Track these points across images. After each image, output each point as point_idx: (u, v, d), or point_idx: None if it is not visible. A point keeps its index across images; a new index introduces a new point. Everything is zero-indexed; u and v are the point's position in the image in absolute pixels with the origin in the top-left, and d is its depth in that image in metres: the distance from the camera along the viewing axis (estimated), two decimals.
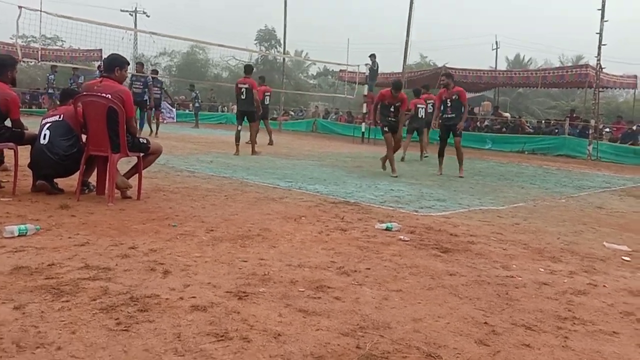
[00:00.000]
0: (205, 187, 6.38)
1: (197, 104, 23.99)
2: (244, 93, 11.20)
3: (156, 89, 16.18)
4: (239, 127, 11.34)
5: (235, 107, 12.69)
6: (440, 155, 9.88)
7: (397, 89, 9.34)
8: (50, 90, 19.73)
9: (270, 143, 14.48)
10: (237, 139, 11.22)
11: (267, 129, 14.94)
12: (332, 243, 4.06)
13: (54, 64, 19.00)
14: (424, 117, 13.09)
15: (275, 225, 4.54)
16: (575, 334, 2.59)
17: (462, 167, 9.63)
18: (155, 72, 17.38)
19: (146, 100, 14.64)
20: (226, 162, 9.56)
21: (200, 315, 2.49)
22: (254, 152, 11.26)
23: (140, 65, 15.74)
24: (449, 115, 9.71)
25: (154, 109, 16.01)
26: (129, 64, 5.63)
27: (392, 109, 9.35)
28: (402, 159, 12.02)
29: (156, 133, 15.18)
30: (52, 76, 19.69)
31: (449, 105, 9.74)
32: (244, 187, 6.61)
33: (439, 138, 10.40)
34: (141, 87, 14.48)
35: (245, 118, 11.41)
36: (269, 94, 15.02)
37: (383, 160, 9.54)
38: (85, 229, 3.99)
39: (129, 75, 13.89)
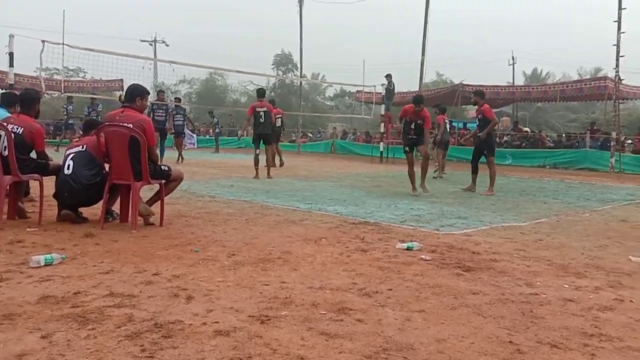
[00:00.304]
0: (226, 212, 6.44)
1: (217, 130, 24.35)
2: (263, 116, 11.31)
3: (179, 116, 16.59)
4: (257, 151, 11.40)
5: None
6: (474, 172, 9.77)
7: (418, 103, 9.04)
8: (71, 121, 20.13)
9: (282, 164, 14.49)
10: (257, 162, 11.28)
11: (277, 150, 15.05)
12: (353, 264, 4.06)
13: (69, 94, 19.35)
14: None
15: (296, 248, 4.56)
16: (603, 350, 2.55)
17: (491, 186, 9.49)
18: (178, 100, 17.72)
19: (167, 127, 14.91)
20: (246, 186, 9.63)
21: (223, 340, 2.51)
22: (269, 175, 11.32)
23: (162, 93, 16.04)
24: (479, 134, 9.68)
25: (174, 137, 16.33)
26: (149, 93, 5.75)
27: (412, 126, 9.07)
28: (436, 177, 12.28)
29: (179, 160, 15.39)
30: (71, 107, 20.10)
31: (479, 124, 9.78)
32: (265, 211, 6.66)
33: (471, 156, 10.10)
34: (163, 115, 14.76)
35: (262, 141, 11.51)
36: (279, 116, 15.17)
37: (413, 180, 9.07)
38: (109, 257, 4.05)
39: (149, 104, 14.20)
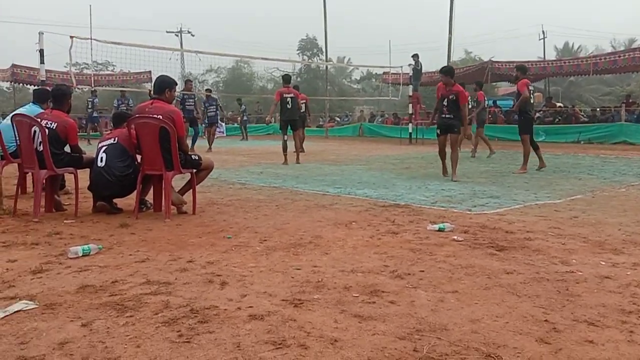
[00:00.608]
0: (257, 198, 6.50)
1: (245, 117, 24.42)
2: (290, 102, 11.33)
3: (212, 107, 16.99)
4: (285, 137, 11.47)
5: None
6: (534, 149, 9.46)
7: (446, 73, 8.33)
8: (95, 114, 20.47)
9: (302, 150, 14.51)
10: (285, 148, 11.35)
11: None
12: (384, 247, 4.06)
13: (95, 88, 19.70)
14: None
15: (327, 232, 4.58)
16: None
17: (524, 164, 9.31)
18: (209, 90, 17.93)
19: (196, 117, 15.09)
20: (275, 172, 9.68)
21: (258, 325, 2.54)
22: (298, 160, 11.35)
23: (189, 82, 16.22)
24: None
25: (206, 126, 16.59)
26: (177, 84, 5.81)
27: (445, 103, 8.27)
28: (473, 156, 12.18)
29: (209, 148, 15.59)
30: (96, 99, 20.43)
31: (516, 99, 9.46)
32: (294, 196, 6.69)
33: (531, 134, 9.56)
34: (193, 104, 14.95)
35: (289, 126, 11.54)
36: (304, 102, 15.15)
37: (445, 161, 8.51)
38: (144, 246, 4.14)
39: (180, 94, 14.45)
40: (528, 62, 22.91)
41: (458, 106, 8.25)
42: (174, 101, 14.27)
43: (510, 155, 12.54)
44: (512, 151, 12.91)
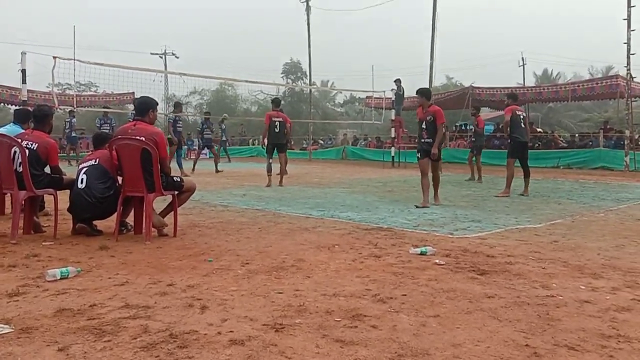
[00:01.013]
0: (239, 221, 6.46)
1: (224, 138, 23.29)
2: (277, 126, 11.44)
3: (208, 130, 17.60)
4: (270, 160, 11.54)
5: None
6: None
7: (422, 94, 8.10)
8: (74, 134, 20.28)
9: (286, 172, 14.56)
10: (269, 169, 11.45)
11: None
12: (367, 270, 4.05)
13: (73, 108, 19.54)
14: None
15: (309, 255, 4.56)
16: (621, 352, 2.52)
17: (507, 188, 9.42)
18: (208, 114, 18.13)
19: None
20: (258, 194, 9.66)
21: (238, 350, 2.51)
22: (281, 183, 11.36)
23: (179, 105, 16.21)
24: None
25: (207, 148, 16.91)
26: (157, 104, 5.83)
27: (423, 126, 8.02)
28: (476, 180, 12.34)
29: (216, 170, 15.74)
30: (74, 120, 20.24)
31: (523, 125, 9.45)
32: (277, 219, 6.67)
33: (517, 159, 9.54)
34: (182, 126, 15.27)
35: (275, 149, 11.61)
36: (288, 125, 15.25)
37: (426, 191, 8.02)
38: (124, 269, 4.08)
39: (172, 116, 14.84)
40: (508, 88, 23.35)
41: (436, 126, 7.99)
42: (167, 123, 14.40)
43: (491, 180, 12.67)
44: (492, 176, 13.05)
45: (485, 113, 39.39)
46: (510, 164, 9.47)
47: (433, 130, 8.00)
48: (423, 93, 8.22)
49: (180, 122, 15.21)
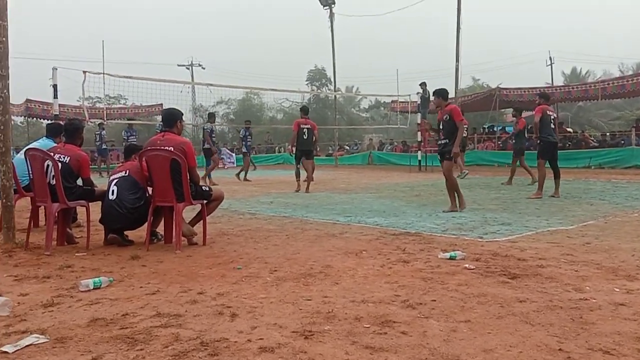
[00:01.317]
0: (267, 228, 6.50)
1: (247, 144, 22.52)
2: (306, 133, 11.62)
3: (250, 137, 17.60)
4: (299, 165, 11.73)
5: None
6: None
7: (438, 94, 7.92)
8: (104, 146, 20.68)
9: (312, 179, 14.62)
10: (298, 175, 11.68)
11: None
12: (395, 276, 4.03)
13: (102, 121, 19.96)
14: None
15: (337, 262, 4.56)
16: None
17: (539, 189, 9.29)
18: (249, 122, 18.26)
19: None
20: (285, 201, 9.70)
21: (268, 357, 2.52)
22: (308, 189, 11.45)
23: (212, 116, 16.39)
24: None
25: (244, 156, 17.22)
26: (183, 114, 5.97)
27: (441, 127, 7.80)
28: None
29: (245, 177, 16.00)
30: (104, 132, 20.66)
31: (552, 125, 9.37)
32: (304, 225, 6.68)
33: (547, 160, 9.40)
34: (215, 136, 15.60)
35: (304, 156, 11.73)
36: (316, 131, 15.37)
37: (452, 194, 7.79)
38: (155, 278, 4.14)
39: (209, 126, 15.13)
40: (536, 88, 23.02)
41: (454, 127, 7.69)
42: (204, 133, 14.74)
43: (520, 181, 12.48)
44: (522, 177, 12.85)
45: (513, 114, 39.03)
46: (541, 165, 9.33)
47: (449, 130, 7.72)
48: (439, 93, 8.01)
49: (214, 133, 15.51)
